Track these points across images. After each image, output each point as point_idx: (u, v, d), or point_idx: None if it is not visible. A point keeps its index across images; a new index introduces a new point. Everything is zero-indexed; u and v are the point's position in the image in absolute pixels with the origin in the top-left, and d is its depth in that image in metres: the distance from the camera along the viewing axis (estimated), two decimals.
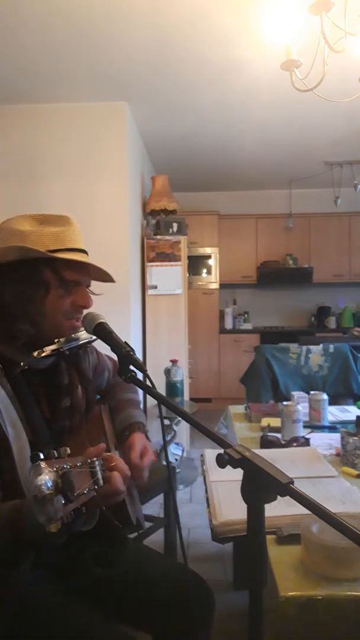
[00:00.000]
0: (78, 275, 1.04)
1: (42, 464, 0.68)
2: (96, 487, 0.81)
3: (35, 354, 1.01)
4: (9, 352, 1.00)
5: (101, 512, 0.92)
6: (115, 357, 0.98)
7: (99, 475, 0.83)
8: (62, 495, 0.67)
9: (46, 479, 0.66)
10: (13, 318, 0.98)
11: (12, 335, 0.99)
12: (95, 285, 1.13)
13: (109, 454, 0.95)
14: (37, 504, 0.66)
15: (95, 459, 0.84)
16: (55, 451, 0.72)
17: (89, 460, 0.81)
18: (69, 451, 0.75)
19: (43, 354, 1.02)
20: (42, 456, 0.69)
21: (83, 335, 1.09)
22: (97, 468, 0.83)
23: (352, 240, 5.87)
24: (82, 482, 0.75)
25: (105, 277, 1.12)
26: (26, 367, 1.02)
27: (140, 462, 1.12)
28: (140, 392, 1.21)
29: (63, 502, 0.68)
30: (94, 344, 1.18)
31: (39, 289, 1.00)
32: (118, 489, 0.89)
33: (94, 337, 1.06)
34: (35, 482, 0.66)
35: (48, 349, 1.02)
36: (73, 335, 1.07)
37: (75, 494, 0.70)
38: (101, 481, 0.84)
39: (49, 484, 0.66)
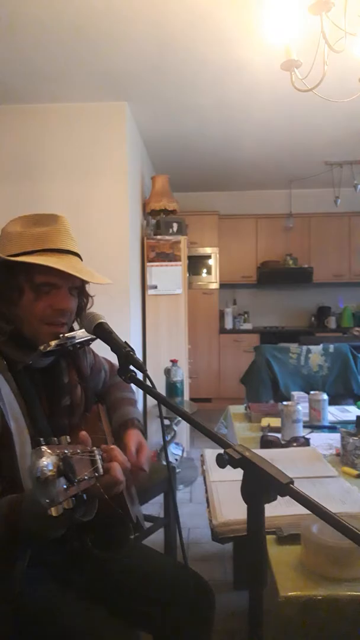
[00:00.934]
0: (51, 277, 1.01)
1: (44, 448, 0.69)
2: (96, 474, 0.81)
3: (41, 347, 1.02)
4: (12, 350, 1.01)
5: (99, 505, 0.92)
6: (112, 358, 0.98)
7: (99, 463, 0.84)
8: (64, 478, 0.68)
9: (48, 461, 0.67)
10: None
11: None
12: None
13: (109, 446, 0.95)
14: (39, 485, 0.67)
15: (95, 448, 0.84)
16: (56, 439, 0.73)
17: (89, 449, 0.82)
18: (69, 439, 0.76)
19: (49, 348, 1.02)
20: (43, 442, 0.70)
21: (81, 334, 1.08)
22: (97, 457, 0.84)
23: (352, 240, 5.87)
24: (83, 469, 0.76)
25: (91, 277, 1.05)
26: (30, 362, 1.03)
27: (136, 459, 1.12)
28: (139, 391, 1.20)
29: (65, 486, 0.68)
30: (90, 345, 1.18)
31: (14, 292, 1.01)
32: (118, 479, 0.89)
33: (93, 336, 1.05)
34: (37, 463, 0.67)
35: (53, 343, 1.03)
36: (70, 333, 1.07)
37: (77, 479, 0.71)
38: (101, 469, 0.84)
39: (51, 466, 0.67)
